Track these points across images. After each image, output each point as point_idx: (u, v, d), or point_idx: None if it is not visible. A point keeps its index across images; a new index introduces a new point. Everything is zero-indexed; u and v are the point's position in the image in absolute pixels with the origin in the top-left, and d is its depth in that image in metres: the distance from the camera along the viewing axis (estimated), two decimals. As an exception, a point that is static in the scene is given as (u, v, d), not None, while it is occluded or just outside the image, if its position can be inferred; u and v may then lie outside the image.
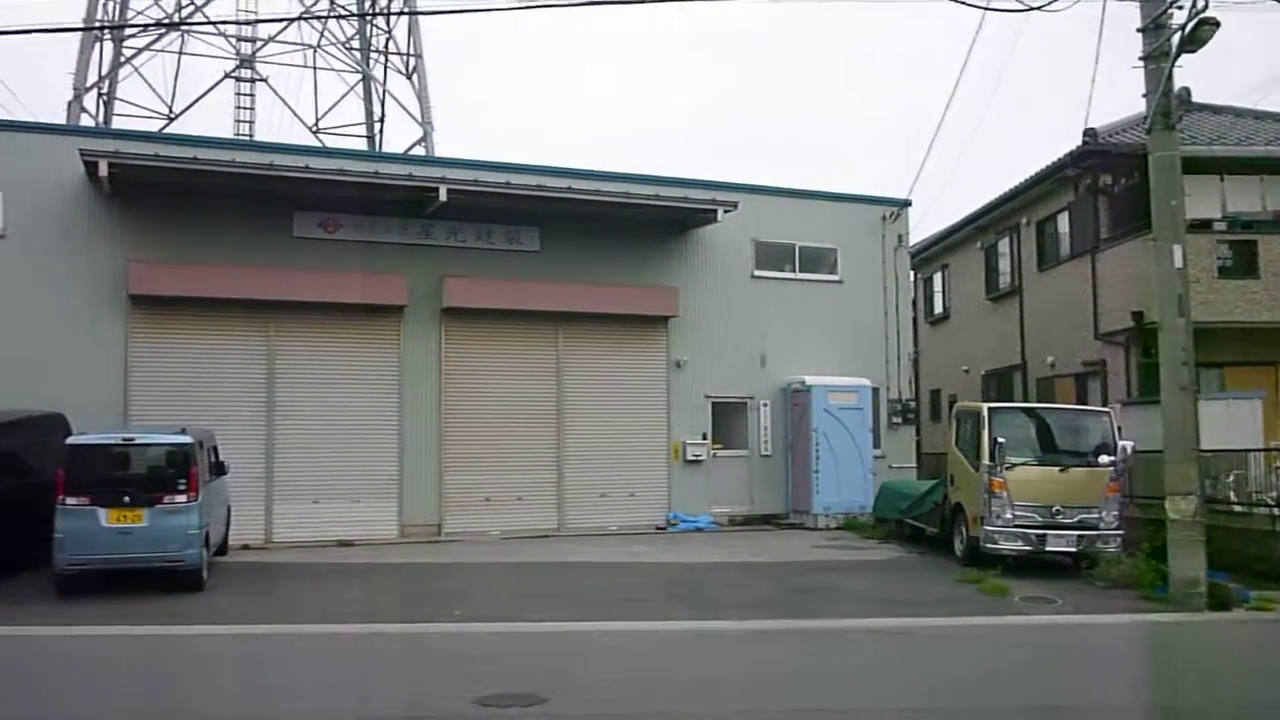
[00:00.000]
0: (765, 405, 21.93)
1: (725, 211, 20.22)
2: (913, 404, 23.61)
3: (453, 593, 13.84)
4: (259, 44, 32.30)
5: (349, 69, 34.61)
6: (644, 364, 21.04)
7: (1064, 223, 22.69)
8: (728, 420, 21.77)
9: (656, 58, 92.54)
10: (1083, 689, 9.32)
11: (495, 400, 19.80)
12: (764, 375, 21.91)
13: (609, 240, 20.71)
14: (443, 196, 18.13)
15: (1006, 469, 15.37)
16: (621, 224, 20.68)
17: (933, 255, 29.47)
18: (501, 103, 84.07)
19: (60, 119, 27.52)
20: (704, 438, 21.31)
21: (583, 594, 13.91)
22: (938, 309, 29.86)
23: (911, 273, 25.90)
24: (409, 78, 33.54)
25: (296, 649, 10.73)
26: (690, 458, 21.04)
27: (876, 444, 22.06)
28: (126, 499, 13.29)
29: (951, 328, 28.70)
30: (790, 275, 22.42)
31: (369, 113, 35.23)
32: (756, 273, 22.06)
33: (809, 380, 21.43)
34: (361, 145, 34.02)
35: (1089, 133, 20.66)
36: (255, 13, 31.88)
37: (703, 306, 21.35)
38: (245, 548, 17.31)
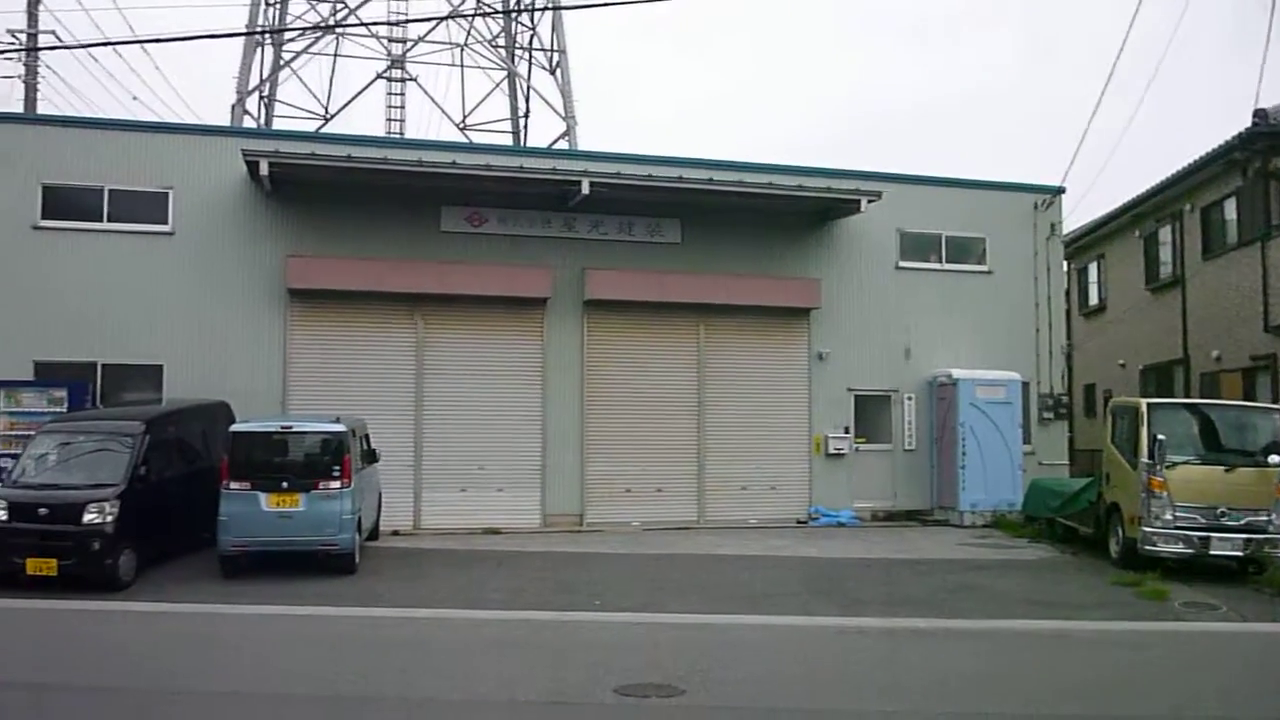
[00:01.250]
0: (910, 399, 21.48)
1: (869, 201, 19.85)
2: (1065, 399, 22.75)
3: (593, 582, 13.99)
4: (409, 44, 33.21)
5: (495, 66, 35.31)
6: (786, 356, 20.84)
7: (1230, 209, 21.50)
8: (871, 413, 21.39)
9: (795, 45, 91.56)
10: (1249, 702, 8.82)
11: (637, 392, 19.91)
12: (909, 368, 21.45)
13: (750, 231, 20.59)
14: (585, 189, 18.31)
15: (1167, 468, 14.66)
16: (763, 215, 20.53)
17: (1088, 244, 28.34)
18: (644, 95, 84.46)
19: (225, 121, 28.83)
20: (846, 431, 21.00)
21: (723, 587, 13.88)
22: (1093, 300, 28.70)
23: (1065, 262, 24.95)
24: (552, 73, 33.99)
25: (442, 633, 11.01)
26: (832, 451, 20.75)
27: (1026, 440, 21.35)
28: (285, 484, 13.89)
29: (1107, 320, 27.54)
30: (936, 266, 21.88)
31: (514, 109, 35.87)
32: (901, 263, 21.61)
33: (956, 374, 20.89)
34: (507, 141, 34.67)
35: (1259, 114, 19.52)
36: (405, 13, 32.78)
37: (846, 298, 21.02)
38: (395, 533, 17.84)
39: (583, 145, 31.67)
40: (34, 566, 12.77)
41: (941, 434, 21.18)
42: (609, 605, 12.31)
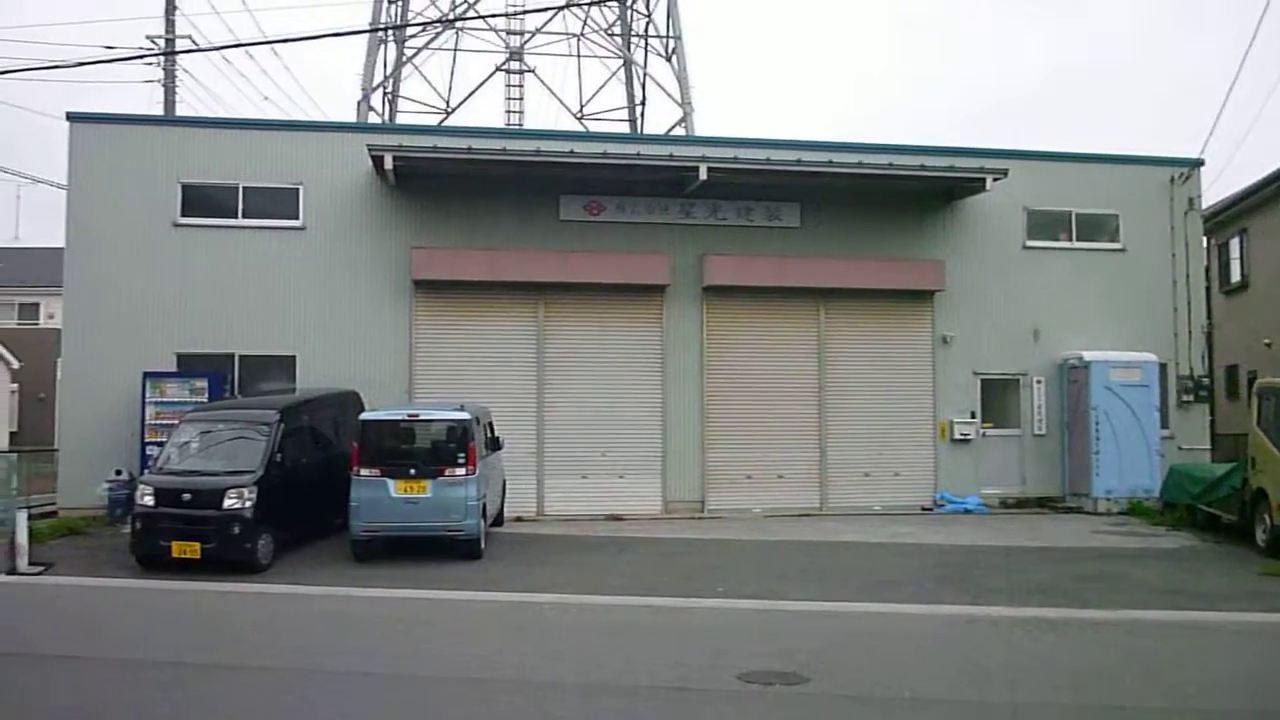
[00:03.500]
0: (1039, 382, 20.84)
1: (994, 179, 19.29)
2: (1206, 381, 21.77)
3: (716, 568, 13.97)
4: (526, 37, 33.55)
5: (611, 55, 35.41)
6: (909, 340, 20.44)
7: (1384, 178, 20.24)
8: (998, 398, 20.83)
9: (911, 23, 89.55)
10: None
11: (757, 377, 19.78)
12: (1037, 350, 20.80)
13: (871, 213, 20.24)
14: (703, 175, 18.25)
15: (1319, 451, 13.92)
16: (884, 196, 20.16)
17: (1229, 218, 27.00)
18: (761, 78, 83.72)
19: (350, 118, 29.58)
20: (973, 416, 20.49)
21: (846, 574, 13.71)
22: (1234, 277, 27.35)
23: (1204, 238, 23.85)
24: (668, 60, 33.91)
25: (565, 617, 11.12)
26: (958, 437, 20.28)
27: (1164, 424, 20.49)
28: (412, 471, 14.22)
29: (1251, 297, 26.22)
30: (1066, 244, 21.16)
31: (630, 96, 35.93)
32: (1029, 243, 20.95)
33: (1087, 355, 20.18)
34: (624, 129, 34.76)
35: None
36: (523, 5, 33.10)
37: (971, 279, 20.48)
38: (519, 519, 18.12)
39: (700, 131, 31.54)
40: (179, 549, 13.37)
41: (1073, 418, 20.51)
42: (731, 592, 12.27)
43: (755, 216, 19.95)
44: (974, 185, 19.60)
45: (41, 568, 14.02)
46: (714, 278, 19.48)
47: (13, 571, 13.80)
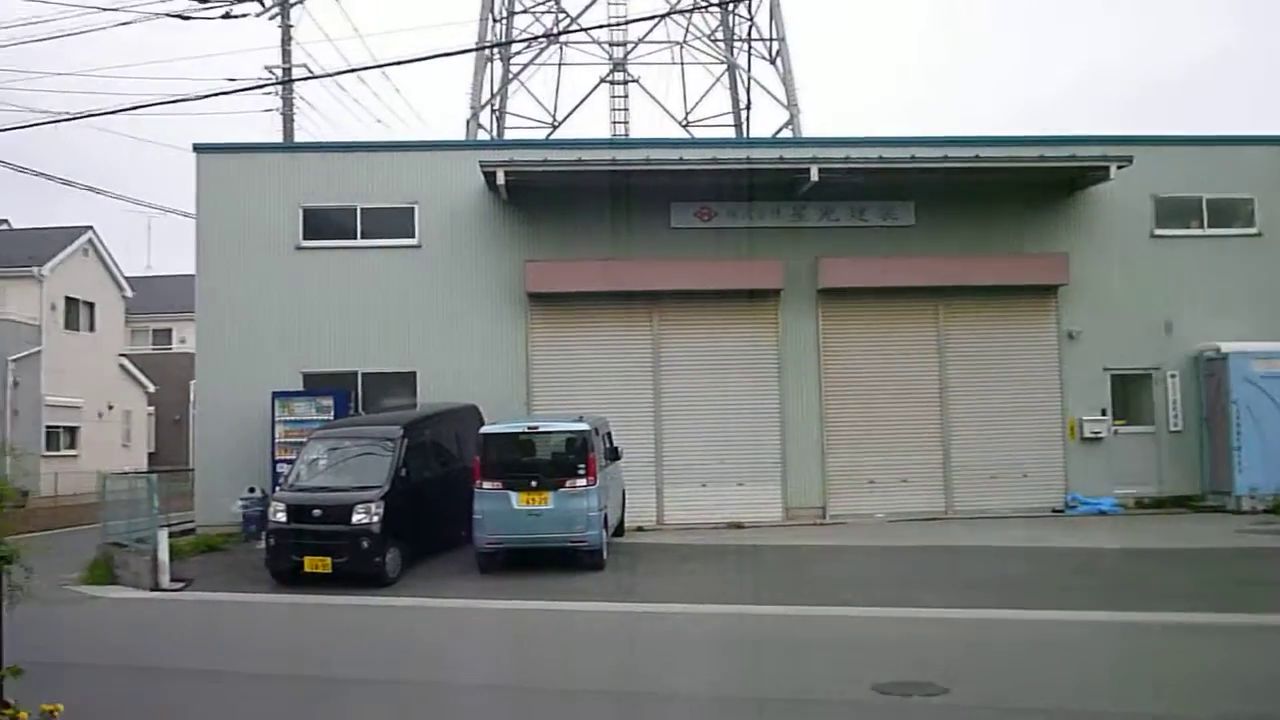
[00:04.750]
0: (1173, 376, 19.98)
1: (1119, 167, 18.59)
2: (1356, 369, 20.59)
3: (841, 576, 13.73)
4: (629, 47, 33.67)
5: (714, 61, 35.30)
6: (1033, 336, 19.81)
7: None
8: (1130, 393, 20.03)
9: (1020, 12, 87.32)
10: None
11: (876, 379, 19.40)
12: (1171, 343, 19.93)
13: (989, 208, 19.68)
14: (814, 177, 18.01)
15: None
16: (1002, 190, 19.59)
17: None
18: (870, 75, 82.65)
19: (460, 136, 30.06)
20: (1103, 413, 19.74)
21: (977, 579, 13.31)
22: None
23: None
24: (773, 62, 33.64)
25: (688, 627, 11.04)
26: (1089, 435, 19.56)
27: (1312, 416, 19.43)
28: (534, 483, 14.29)
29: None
30: (1198, 231, 20.26)
31: (735, 101, 35.75)
32: (1157, 231, 20.12)
33: (1225, 347, 19.28)
34: (729, 134, 34.58)
35: None
36: (625, 15, 33.22)
37: (1096, 272, 19.73)
38: (640, 529, 18.09)
39: (808, 132, 31.18)
40: (311, 564, 13.71)
41: (1212, 413, 19.61)
42: (859, 599, 12.02)
43: (869, 216, 19.61)
44: (1097, 174, 18.92)
45: (182, 584, 14.54)
46: (829, 280, 19.20)
47: (156, 587, 14.36)
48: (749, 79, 34.77)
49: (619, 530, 16.87)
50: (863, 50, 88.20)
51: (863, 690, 8.02)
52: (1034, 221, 19.81)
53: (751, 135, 33.87)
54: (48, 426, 32.41)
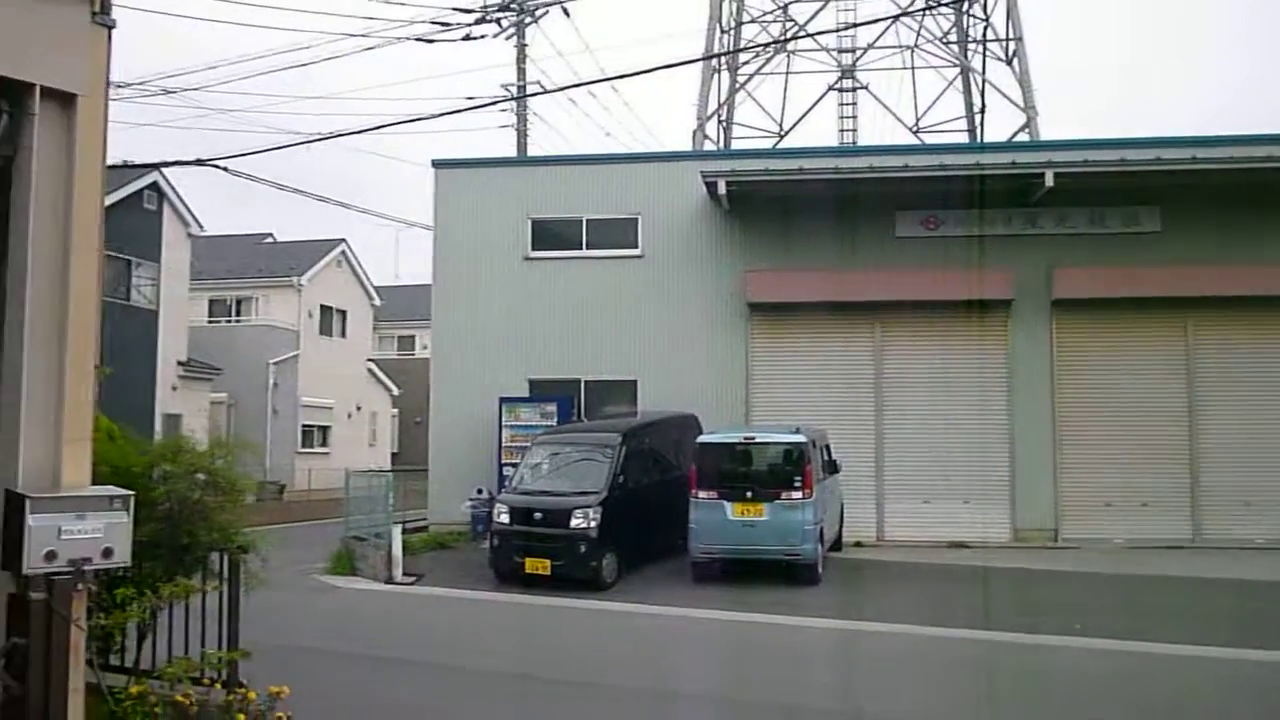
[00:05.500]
0: None
1: (1400, 166, 16.82)
2: None
3: (1072, 604, 13.00)
4: (858, 53, 33.16)
5: (947, 64, 34.29)
6: (1293, 351, 18.17)
7: None
8: None
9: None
10: None
11: (1115, 396, 18.28)
12: None
13: (1244, 213, 18.13)
14: (1049, 182, 17.17)
15: None
16: (1259, 193, 17.98)
17: None
18: (1112, 74, 78.25)
19: (687, 147, 30.40)
20: (1381, 438, 17.89)
21: (1223, 615, 12.30)
22: None
23: None
24: (1009, 63, 32.36)
25: (902, 648, 10.70)
26: (1363, 461, 17.75)
27: None
28: (749, 494, 14.22)
29: None
30: None
31: (969, 105, 34.58)
32: None
33: None
34: (963, 139, 33.50)
35: None
36: (854, 18, 32.74)
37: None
38: (858, 544, 17.73)
39: (1046, 135, 29.82)
40: (531, 566, 14.14)
41: None
42: (1089, 630, 11.31)
43: (1109, 223, 18.53)
44: (1375, 175, 17.16)
45: (414, 578, 15.30)
46: (1064, 291, 18.26)
47: (389, 581, 15.16)
48: (983, 81, 33.57)
49: (836, 545, 16.59)
50: (1103, 48, 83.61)
51: (1086, 728, 7.55)
52: (1298, 227, 18.18)
53: (986, 140, 32.67)
54: (303, 425, 34.86)
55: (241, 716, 6.45)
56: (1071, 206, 18.35)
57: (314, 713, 7.24)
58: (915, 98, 36.18)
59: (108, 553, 4.93)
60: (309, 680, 8.40)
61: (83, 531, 4.83)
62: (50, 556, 4.72)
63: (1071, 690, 8.92)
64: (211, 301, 35.97)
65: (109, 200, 26.15)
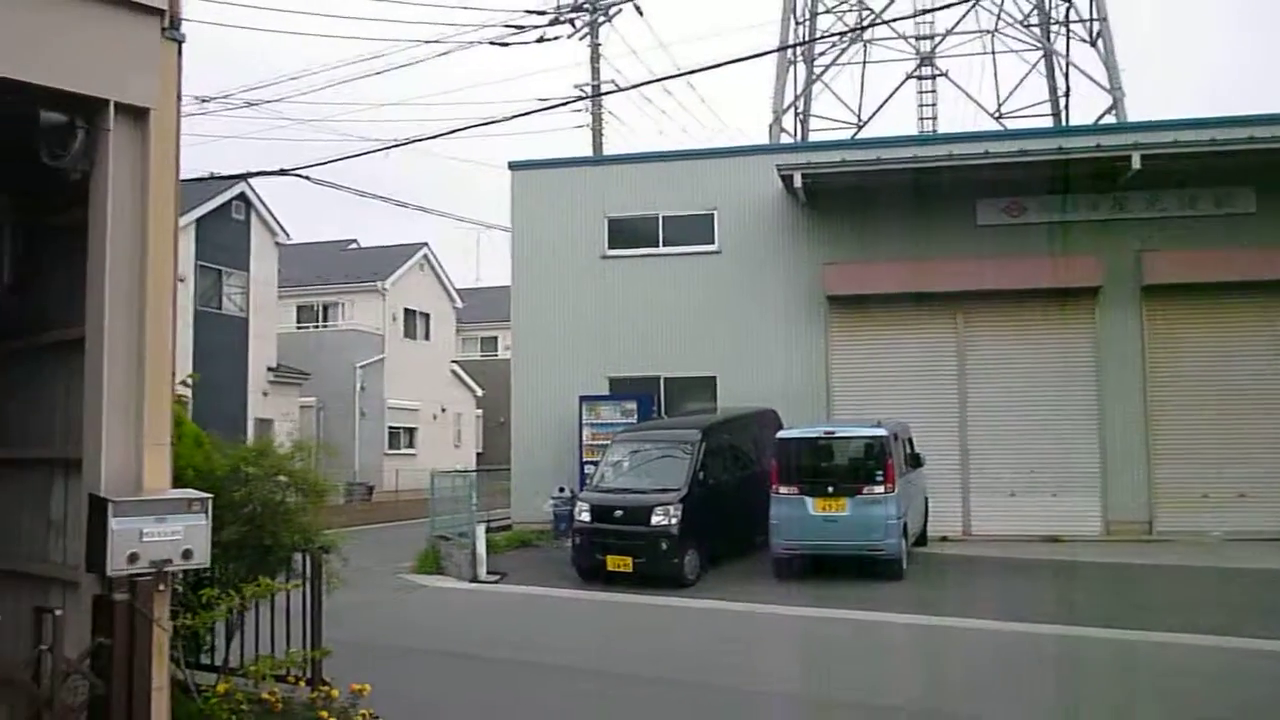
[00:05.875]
0: None
1: None
2: None
3: (1165, 598, 12.62)
4: (937, 40, 32.60)
5: (1029, 47, 33.52)
6: None
7: None
8: None
9: (1407, -34, 76.96)
10: None
11: (1210, 383, 17.69)
12: None
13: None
14: (1136, 164, 16.69)
15: None
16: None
17: None
18: (1200, 52, 75.79)
19: (764, 141, 30.20)
20: None
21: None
22: None
23: None
24: (1093, 44, 31.52)
25: (989, 645, 10.48)
26: None
27: None
28: (830, 489, 14.08)
29: None
30: None
31: (1052, 89, 33.77)
32: None
33: None
34: (1046, 124, 32.72)
35: None
36: (932, 3, 32.18)
37: None
38: (944, 539, 17.44)
39: (1133, 117, 28.99)
40: (613, 563, 14.18)
41: None
42: (1183, 626, 10.94)
43: (1201, 205, 17.94)
44: None
45: (498, 576, 15.45)
46: (1154, 276, 17.73)
47: (474, 579, 15.33)
48: (1067, 64, 32.75)
49: (921, 540, 16.34)
50: (1191, 25, 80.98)
51: (1181, 726, 7.32)
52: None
53: (1071, 123, 31.88)
54: (390, 427, 35.46)
55: (325, 714, 6.57)
56: (1160, 189, 17.82)
57: (397, 709, 7.34)
58: (997, 83, 35.58)
59: (187, 554, 5.06)
60: (393, 678, 8.54)
61: (163, 534, 4.96)
62: (133, 558, 4.86)
63: (1177, 689, 8.65)
64: (299, 308, 36.78)
65: (200, 212, 27.07)
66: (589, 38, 26.97)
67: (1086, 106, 66.89)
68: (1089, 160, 17.39)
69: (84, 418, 5.19)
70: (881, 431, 14.40)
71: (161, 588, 5.03)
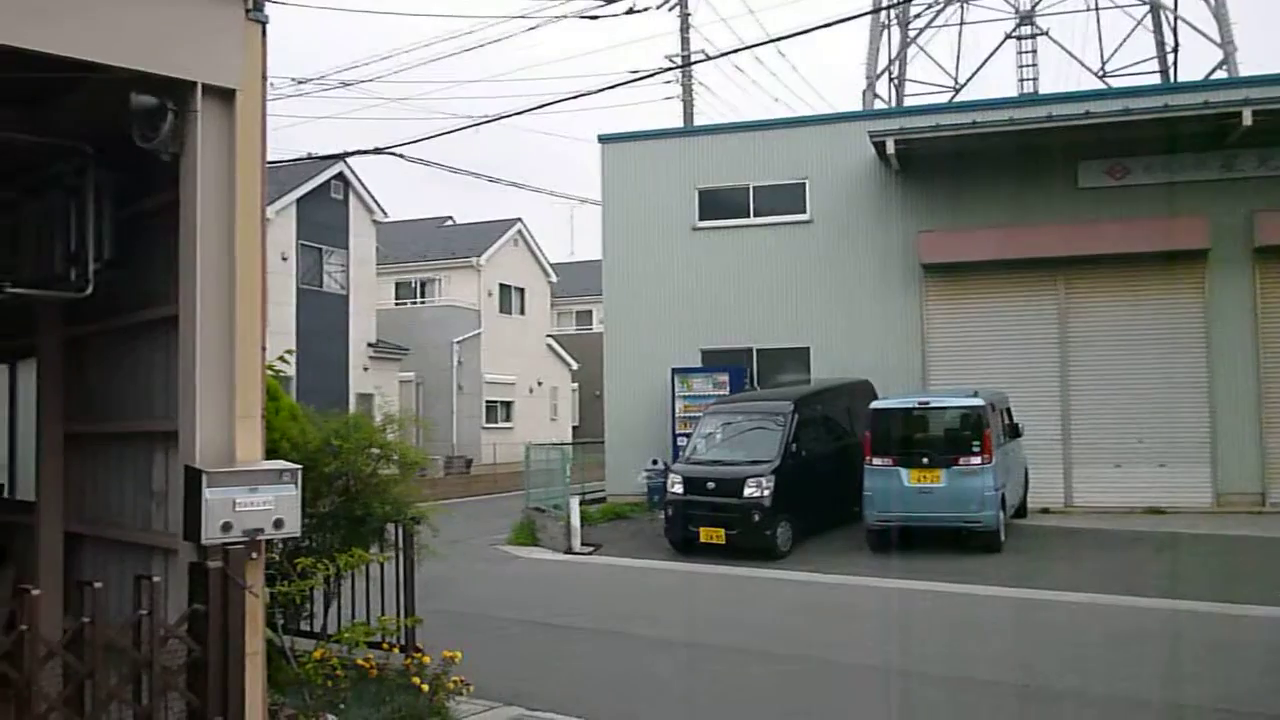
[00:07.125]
0: None
1: None
2: None
3: (1276, 572, 12.16)
4: (1037, -3, 31.65)
5: (1134, 2, 32.34)
6: None
7: None
8: None
9: None
10: None
11: (1329, 349, 16.96)
12: None
13: None
14: (1246, 120, 15.99)
15: None
16: None
17: None
18: (1327, 3, 71.97)
19: (857, 108, 29.73)
20: None
21: None
22: None
23: None
24: (1204, -3, 30.28)
25: (1095, 620, 10.23)
26: None
27: None
28: (925, 460, 13.87)
29: None
30: None
31: (1160, 45, 32.54)
32: None
33: None
34: (1154, 81, 31.56)
35: None
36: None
37: None
38: (1045, 511, 17.06)
39: (1245, 72, 27.79)
40: (706, 535, 14.20)
41: None
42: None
43: (1317, 162, 17.12)
44: None
45: (591, 548, 15.60)
46: (1268, 237, 16.98)
47: (569, 550, 15.51)
48: (1175, 18, 31.51)
49: (1020, 512, 16.00)
50: (1324, -28, 76.83)
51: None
52: None
53: (1180, 80, 30.70)
54: (487, 401, 35.95)
55: (417, 679, 6.72)
56: (1273, 147, 17.04)
57: (488, 676, 7.48)
58: (1100, 41, 34.39)
59: (279, 523, 5.20)
60: (485, 646, 8.70)
61: (255, 504, 5.10)
62: (226, 528, 5.01)
63: (1273, 660, 8.36)
64: (397, 284, 37.43)
65: (300, 193, 27.70)
66: (678, 7, 26.78)
67: (1195, 63, 64.12)
68: (1196, 118, 16.71)
69: (179, 392, 5.36)
70: (978, 401, 14.12)
71: (254, 556, 5.18)
